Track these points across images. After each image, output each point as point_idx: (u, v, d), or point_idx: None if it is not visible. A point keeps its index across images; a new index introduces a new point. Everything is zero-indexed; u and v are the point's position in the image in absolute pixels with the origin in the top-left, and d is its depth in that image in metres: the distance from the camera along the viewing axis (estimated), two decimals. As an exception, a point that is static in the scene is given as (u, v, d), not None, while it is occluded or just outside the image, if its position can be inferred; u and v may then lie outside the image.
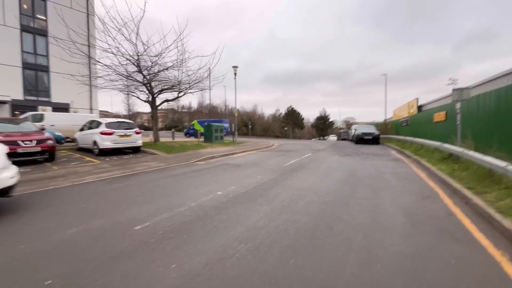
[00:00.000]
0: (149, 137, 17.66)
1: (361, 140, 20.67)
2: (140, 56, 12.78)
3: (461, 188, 5.32)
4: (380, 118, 53.65)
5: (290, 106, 58.49)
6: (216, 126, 19.55)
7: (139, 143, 11.69)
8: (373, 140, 20.45)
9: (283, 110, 60.58)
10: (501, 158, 5.97)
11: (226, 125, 32.11)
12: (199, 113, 63.41)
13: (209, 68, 14.85)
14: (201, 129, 24.40)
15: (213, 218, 3.90)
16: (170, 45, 13.35)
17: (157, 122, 15.92)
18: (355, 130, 22.82)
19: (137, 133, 11.59)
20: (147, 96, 15.17)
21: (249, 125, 45.18)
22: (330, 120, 60.98)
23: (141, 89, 14.80)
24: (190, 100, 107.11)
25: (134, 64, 13.08)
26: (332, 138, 47.45)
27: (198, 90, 16.05)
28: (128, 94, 17.59)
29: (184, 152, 12.61)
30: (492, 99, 10.29)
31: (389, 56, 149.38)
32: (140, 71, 13.42)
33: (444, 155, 9.27)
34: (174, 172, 7.78)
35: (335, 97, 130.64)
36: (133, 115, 68.32)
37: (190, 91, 15.54)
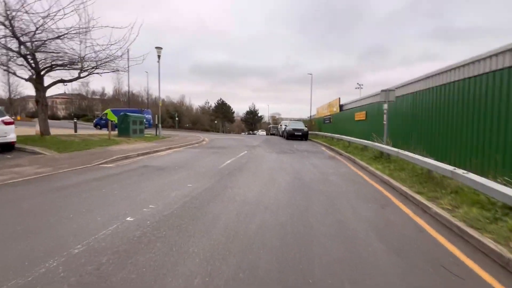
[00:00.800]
0: (36, 128, 13.28)
1: (292, 136, 21.00)
2: (12, 14, 8.98)
3: (410, 192, 5.09)
4: (303, 115, 57.86)
5: (220, 99, 56.95)
6: (135, 117, 16.36)
7: (10, 137, 8.15)
8: (303, 136, 21.08)
9: (213, 103, 58.49)
10: (445, 161, 6.11)
11: (148, 116, 28.13)
12: (115, 101, 54.71)
13: (126, 45, 11.90)
14: (115, 119, 20.28)
15: (109, 281, 2.20)
16: (66, 6, 9.94)
17: (46, 109, 11.84)
18: (286, 126, 23.15)
19: (7, 123, 8.02)
20: (30, 73, 11.13)
21: (176, 117, 41.47)
22: (259, 115, 62.32)
23: (19, 63, 10.70)
24: (104, 85, 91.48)
25: (3, 25, 9.16)
26: (262, 132, 48.31)
27: (109, 70, 12.75)
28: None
29: (87, 149, 9.66)
30: (409, 101, 11.33)
31: (310, 59, 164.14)
32: (15, 36, 9.53)
33: (376, 154, 9.59)
34: (62, 182, 5.34)
35: (263, 92, 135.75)
36: (21, 100, 53.69)
37: (97, 71, 12.20)
